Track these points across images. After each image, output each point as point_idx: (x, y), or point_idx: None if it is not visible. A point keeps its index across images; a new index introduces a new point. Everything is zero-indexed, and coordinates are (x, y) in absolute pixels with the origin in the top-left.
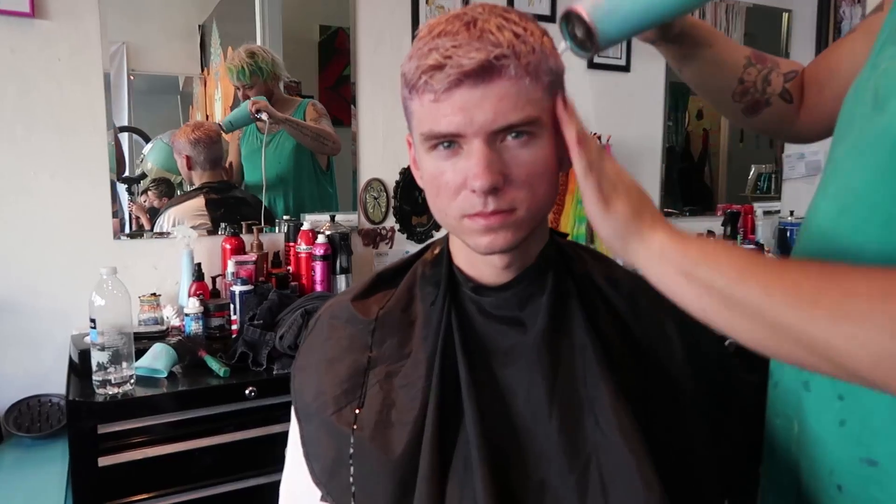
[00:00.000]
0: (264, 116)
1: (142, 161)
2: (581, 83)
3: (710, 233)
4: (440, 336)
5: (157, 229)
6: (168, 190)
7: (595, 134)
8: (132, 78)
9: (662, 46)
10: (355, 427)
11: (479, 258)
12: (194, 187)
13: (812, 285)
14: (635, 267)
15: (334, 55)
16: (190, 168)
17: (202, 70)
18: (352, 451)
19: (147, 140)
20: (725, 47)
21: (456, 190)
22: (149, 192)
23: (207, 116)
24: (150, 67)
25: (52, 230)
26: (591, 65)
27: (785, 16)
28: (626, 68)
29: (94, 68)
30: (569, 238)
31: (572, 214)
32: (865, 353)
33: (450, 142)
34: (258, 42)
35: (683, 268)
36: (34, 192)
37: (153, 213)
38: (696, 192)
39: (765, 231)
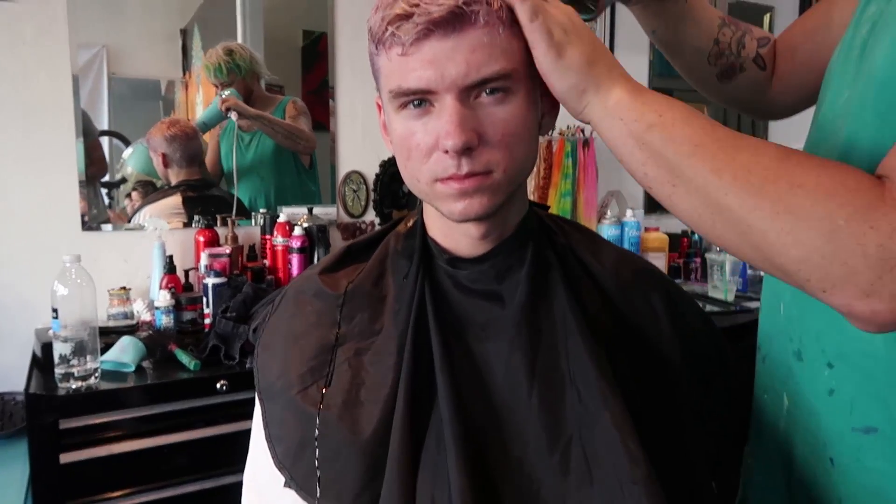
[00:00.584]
0: (233, 116)
1: (122, 165)
2: None
3: None
4: (413, 310)
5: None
6: (152, 192)
7: (578, 127)
8: (112, 83)
9: (638, 2)
10: (322, 407)
11: (455, 228)
12: (171, 185)
13: (762, 171)
14: (589, 122)
15: (317, 59)
16: (166, 166)
17: (184, 74)
18: (317, 432)
19: (127, 144)
20: (700, 4)
21: (427, 152)
22: (132, 195)
23: (189, 121)
24: (131, 71)
25: (17, 219)
26: None
27: (767, 15)
28: None
29: (62, 53)
30: (551, 211)
31: (560, 187)
32: (795, 250)
33: (420, 100)
34: None
35: (636, 130)
36: None
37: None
38: None
39: None
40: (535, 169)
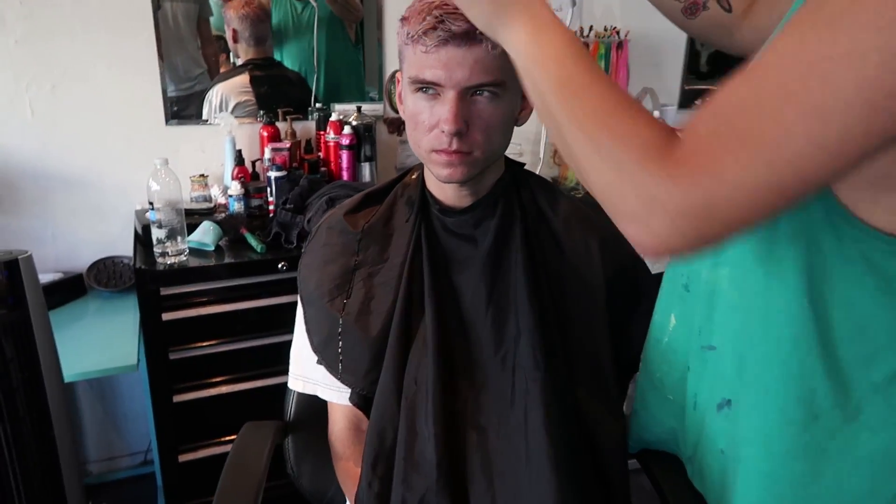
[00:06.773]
0: None
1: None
2: None
3: None
4: (411, 246)
5: (205, 104)
6: (226, 47)
7: (614, 28)
8: None
9: None
10: (343, 313)
11: (445, 184)
12: (240, 63)
13: (591, 112)
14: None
15: None
16: (235, 41)
17: None
18: (340, 330)
19: None
20: None
21: (429, 128)
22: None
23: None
24: None
25: (111, 116)
26: None
27: None
28: None
29: None
30: (526, 167)
31: None
32: (596, 178)
33: (430, 87)
34: None
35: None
36: (94, 82)
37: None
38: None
39: None
40: None
